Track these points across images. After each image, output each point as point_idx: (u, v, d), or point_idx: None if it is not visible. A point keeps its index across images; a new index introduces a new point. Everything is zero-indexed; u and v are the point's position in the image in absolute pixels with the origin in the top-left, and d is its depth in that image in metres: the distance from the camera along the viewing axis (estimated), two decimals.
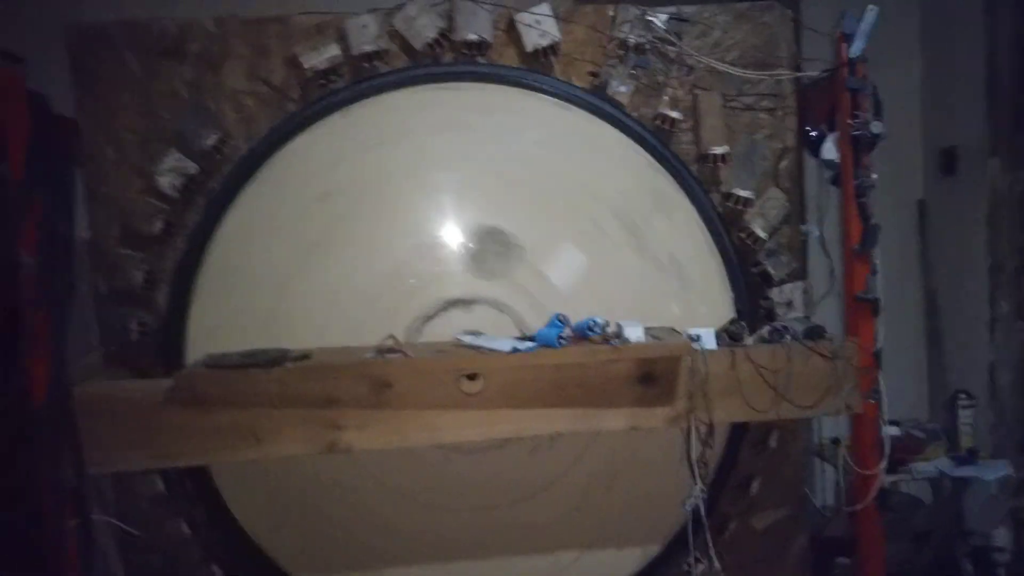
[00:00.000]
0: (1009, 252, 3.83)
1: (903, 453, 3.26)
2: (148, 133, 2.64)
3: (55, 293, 2.35)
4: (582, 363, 2.40)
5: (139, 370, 2.65)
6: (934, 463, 3.26)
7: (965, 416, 3.40)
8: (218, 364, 2.38)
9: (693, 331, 2.47)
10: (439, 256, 2.62)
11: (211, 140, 2.61)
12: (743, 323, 2.49)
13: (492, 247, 2.59)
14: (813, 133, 2.58)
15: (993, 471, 3.18)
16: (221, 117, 2.66)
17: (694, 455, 2.45)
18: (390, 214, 2.62)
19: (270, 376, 2.29)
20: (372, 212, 2.63)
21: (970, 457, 3.29)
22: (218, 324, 2.62)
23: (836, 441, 3.59)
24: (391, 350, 2.42)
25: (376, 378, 2.39)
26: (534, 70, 2.71)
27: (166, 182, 2.61)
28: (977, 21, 3.76)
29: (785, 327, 2.48)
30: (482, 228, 2.59)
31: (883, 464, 2.49)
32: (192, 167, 2.61)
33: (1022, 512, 3.85)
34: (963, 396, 3.41)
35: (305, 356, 2.43)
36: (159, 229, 2.62)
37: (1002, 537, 3.16)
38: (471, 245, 2.59)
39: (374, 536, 2.70)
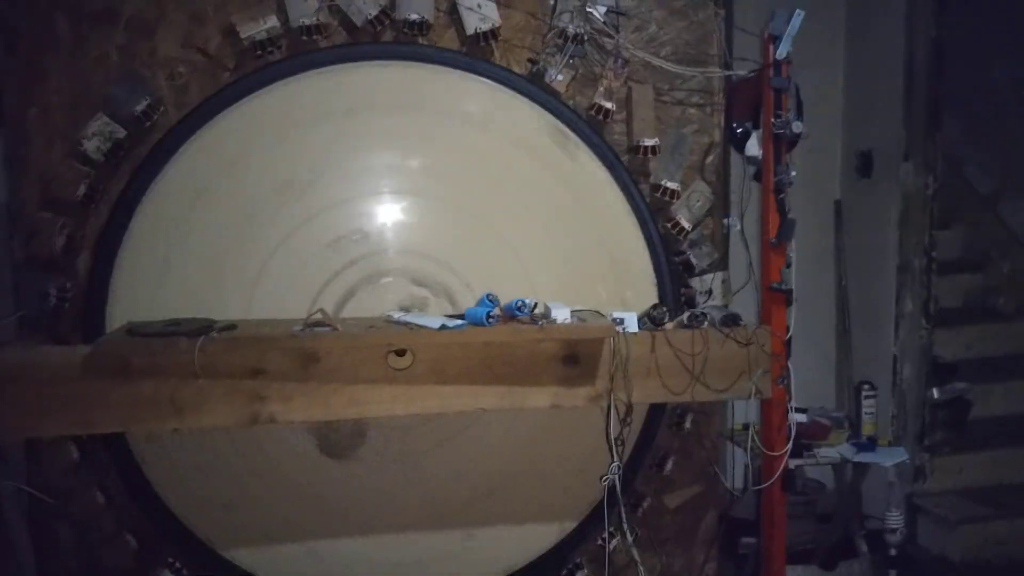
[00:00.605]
0: (916, 253, 4.06)
1: (809, 438, 3.42)
2: (75, 97, 2.58)
3: None
4: (510, 342, 2.47)
5: (57, 337, 2.59)
6: (837, 448, 3.43)
7: (868, 405, 3.57)
8: (141, 332, 2.35)
9: (617, 314, 2.55)
10: (370, 236, 2.65)
11: (141, 106, 2.56)
12: (665, 308, 2.59)
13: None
14: (739, 129, 2.68)
15: (891, 457, 3.36)
16: (153, 84, 2.61)
17: (613, 433, 2.54)
18: (322, 191, 2.63)
19: (195, 346, 2.27)
20: (303, 188, 2.63)
21: (870, 444, 3.48)
22: (141, 294, 2.59)
23: (747, 427, 3.76)
24: (320, 324, 2.44)
25: (304, 351, 2.40)
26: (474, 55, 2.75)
27: (92, 146, 2.55)
28: (898, 27, 3.95)
29: (704, 313, 2.60)
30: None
31: (788, 446, 2.63)
32: (120, 132, 2.56)
33: (917, 498, 4.11)
34: (867, 386, 3.59)
35: (231, 327, 2.42)
36: (82, 194, 2.56)
37: (895, 520, 3.36)
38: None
39: (296, 507, 2.71)
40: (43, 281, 2.56)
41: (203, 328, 2.36)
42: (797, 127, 2.49)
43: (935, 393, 4.15)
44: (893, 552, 3.34)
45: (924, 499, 4.08)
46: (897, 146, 4.05)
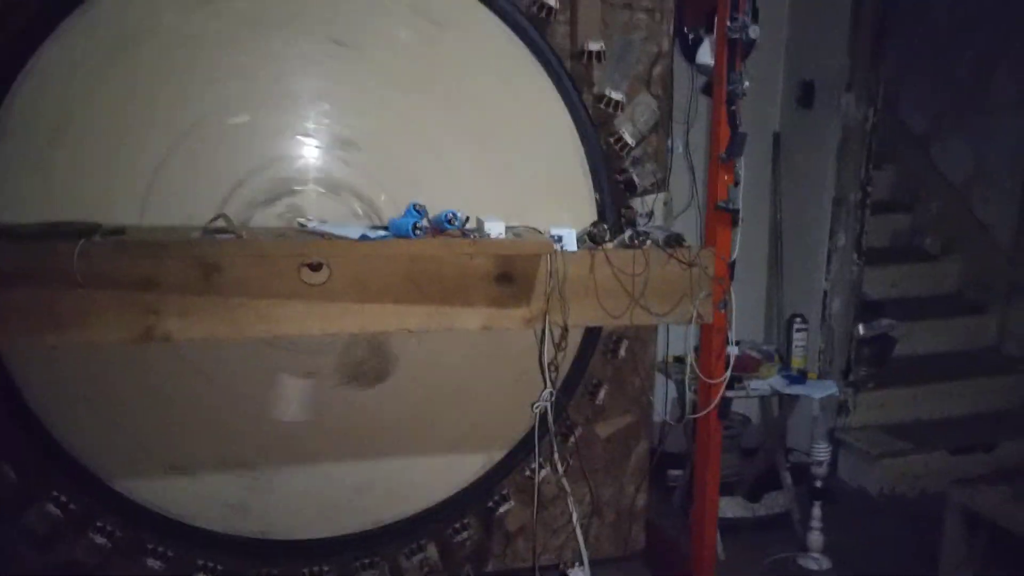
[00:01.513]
0: (853, 186, 3.99)
1: (739, 371, 3.36)
2: None
3: None
4: (438, 256, 2.25)
5: None
6: (768, 381, 3.38)
7: (799, 339, 3.53)
8: (13, 233, 2.04)
9: (555, 231, 2.37)
10: (284, 133, 2.37)
11: None
12: (605, 226, 2.42)
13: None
14: (691, 36, 2.49)
15: (821, 390, 3.33)
16: None
17: (547, 358, 2.38)
18: (233, 69, 2.31)
19: (74, 250, 1.97)
20: (211, 66, 2.31)
21: (800, 377, 3.44)
22: (10, 190, 2.24)
23: (680, 359, 3.68)
24: (222, 231, 2.16)
25: (203, 260, 2.13)
26: None
27: None
28: None
29: (646, 232, 2.43)
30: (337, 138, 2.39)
31: (727, 373, 2.52)
32: None
33: (839, 432, 4.14)
34: (798, 319, 3.54)
35: (119, 231, 2.13)
36: None
37: (823, 452, 3.35)
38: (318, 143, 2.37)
39: (188, 434, 2.47)
40: None
41: (86, 231, 2.06)
42: (754, 32, 2.32)
43: (861, 329, 4.15)
44: (819, 484, 3.33)
45: (846, 433, 4.11)
46: (839, 76, 3.94)
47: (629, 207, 2.72)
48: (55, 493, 2.44)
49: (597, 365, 2.79)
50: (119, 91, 2.27)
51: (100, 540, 2.46)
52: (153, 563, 2.51)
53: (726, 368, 2.53)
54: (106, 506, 2.49)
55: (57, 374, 2.36)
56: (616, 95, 2.64)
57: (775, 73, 4.26)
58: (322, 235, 2.20)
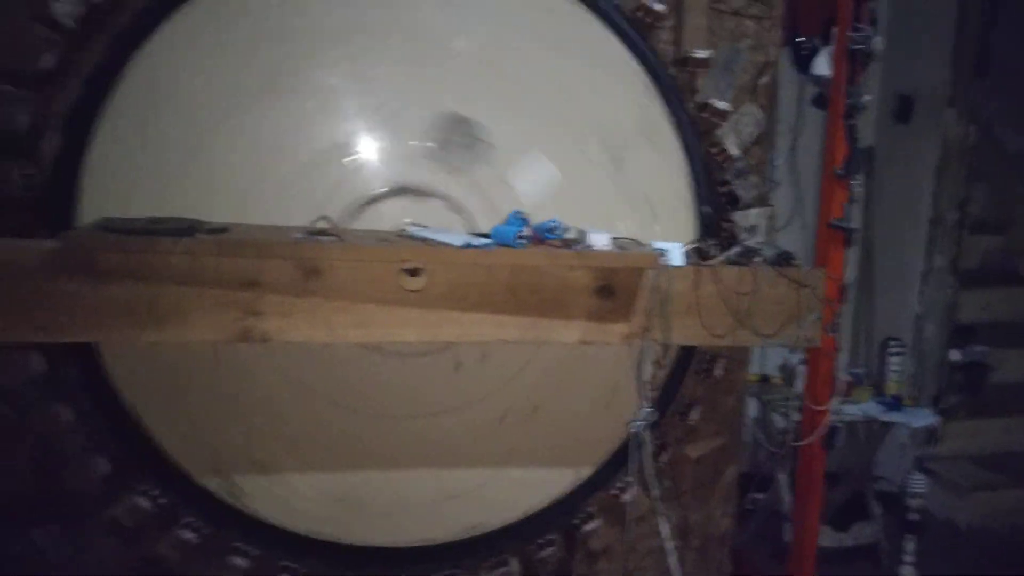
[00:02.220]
0: (951, 206, 3.83)
1: None
2: None
3: None
4: (540, 267, 2.18)
5: (18, 229, 2.24)
6: (862, 406, 3.24)
7: (895, 363, 3.39)
8: (117, 229, 2.03)
9: (659, 245, 2.28)
10: (393, 133, 2.32)
11: None
12: (713, 242, 2.32)
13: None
14: (805, 46, 2.37)
15: (919, 419, 3.19)
16: None
17: (645, 376, 2.28)
18: (342, 72, 2.28)
19: (180, 247, 1.95)
20: (318, 67, 2.28)
21: (896, 403, 3.30)
22: (117, 186, 2.24)
23: (765, 378, 3.56)
24: (324, 232, 2.12)
25: (305, 262, 2.09)
26: None
27: (62, 10, 2.17)
28: None
29: (756, 249, 2.32)
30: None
31: (835, 400, 2.40)
32: None
33: (927, 461, 3.96)
34: (895, 342, 3.39)
35: (222, 229, 2.10)
36: (51, 65, 2.19)
37: (918, 484, 3.19)
38: (434, 131, 2.29)
39: (279, 437, 2.43)
40: (3, 164, 2.20)
41: (190, 228, 2.04)
42: (878, 43, 2.19)
43: (954, 355, 3.97)
44: (915, 517, 3.18)
45: (935, 463, 3.93)
46: (941, 91, 3.78)
47: (731, 221, 2.61)
48: (145, 487, 2.43)
49: (690, 384, 2.69)
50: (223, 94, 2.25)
51: (188, 535, 2.44)
52: (237, 561, 2.48)
53: (833, 393, 2.41)
54: (193, 503, 2.47)
55: (151, 369, 2.34)
56: (721, 104, 2.54)
57: (871, 83, 4.10)
58: (423, 241, 2.14)
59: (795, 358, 3.24)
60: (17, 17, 2.18)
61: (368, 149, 2.33)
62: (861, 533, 3.41)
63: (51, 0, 2.15)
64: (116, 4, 2.21)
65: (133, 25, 2.21)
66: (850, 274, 4.13)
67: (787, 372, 3.37)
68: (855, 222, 2.33)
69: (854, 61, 2.26)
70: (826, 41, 2.40)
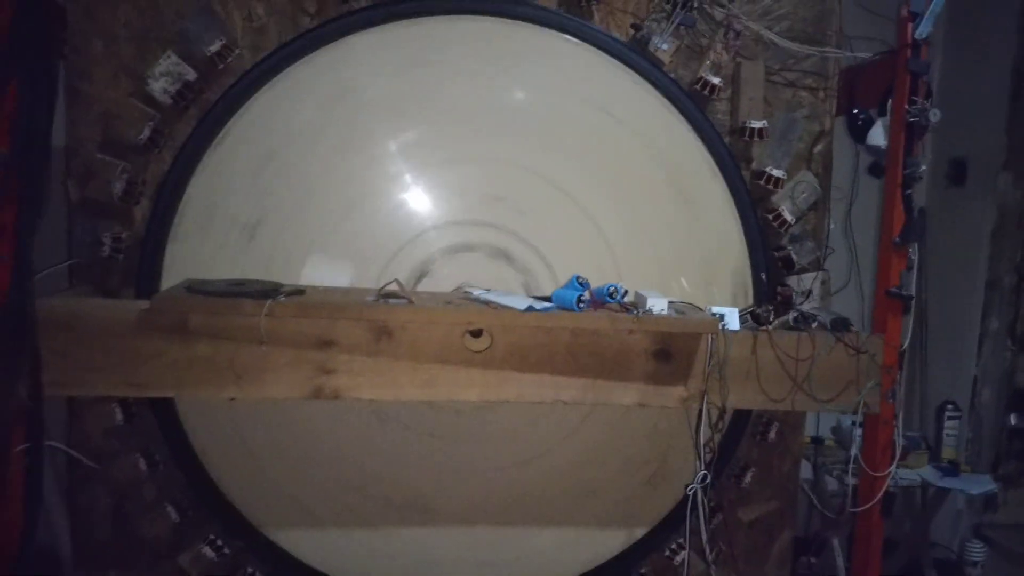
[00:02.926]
0: (1008, 269, 3.80)
1: None
2: (144, 31, 2.38)
3: (26, 189, 2.08)
4: (599, 330, 2.25)
5: (108, 289, 2.40)
6: (918, 472, 3.20)
7: (950, 427, 3.36)
8: (202, 291, 2.16)
9: (716, 310, 2.33)
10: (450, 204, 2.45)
11: (214, 47, 2.36)
12: (770, 307, 2.36)
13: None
14: (861, 117, 2.44)
15: (977, 486, 3.14)
16: (228, 23, 2.41)
17: (702, 439, 2.32)
18: (397, 155, 2.42)
19: (261, 308, 2.07)
20: (377, 152, 2.43)
21: (952, 469, 3.25)
22: (201, 251, 2.40)
23: (818, 440, 3.54)
24: (394, 295, 2.23)
25: (377, 323, 2.20)
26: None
27: (159, 86, 2.35)
28: (1009, 22, 3.67)
29: (813, 315, 2.37)
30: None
31: (892, 467, 2.40)
32: (190, 73, 2.36)
33: (985, 528, 3.87)
34: (951, 407, 3.36)
35: (299, 292, 2.22)
36: (146, 137, 2.36)
37: (977, 553, 3.13)
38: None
39: (352, 493, 2.51)
40: (97, 228, 2.37)
41: (270, 290, 2.16)
42: (935, 115, 2.25)
43: (1013, 419, 3.89)
44: None
45: (993, 530, 3.83)
46: (996, 154, 3.78)
47: (785, 285, 2.65)
48: (211, 536, 2.52)
49: (744, 447, 2.71)
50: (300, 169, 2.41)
51: None
52: None
53: (892, 460, 2.41)
54: (255, 552, 2.55)
55: (220, 421, 2.45)
56: (777, 172, 2.60)
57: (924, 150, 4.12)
58: (487, 304, 2.23)
59: (848, 420, 3.22)
60: (119, 93, 2.37)
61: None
62: None
63: (149, 78, 2.33)
64: (207, 82, 2.38)
65: (221, 102, 2.38)
66: (905, 338, 4.12)
67: (841, 434, 3.35)
68: (912, 290, 2.36)
69: (911, 132, 2.32)
70: (882, 112, 2.46)
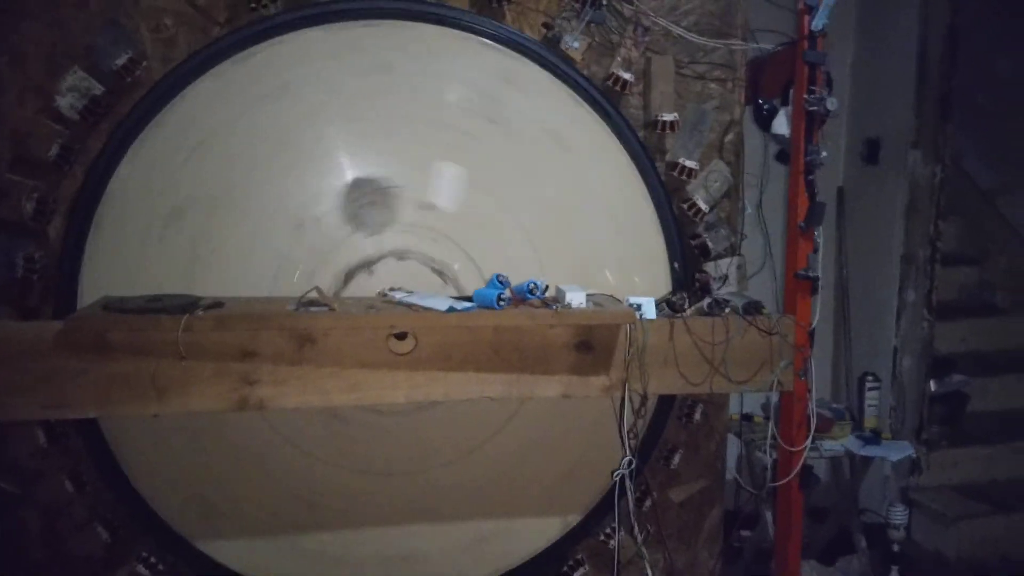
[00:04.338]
0: (921, 243, 3.97)
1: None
2: (51, 47, 2.34)
3: None
4: (521, 327, 2.30)
5: (25, 311, 2.36)
6: (842, 442, 3.34)
7: (871, 397, 3.50)
8: (119, 308, 2.15)
9: (633, 300, 2.40)
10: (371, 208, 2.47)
11: (122, 60, 2.33)
12: (685, 294, 2.44)
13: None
14: (765, 107, 2.53)
15: (897, 451, 3.29)
16: (136, 36, 2.38)
17: (626, 426, 2.39)
18: (317, 160, 2.44)
19: (179, 323, 2.07)
20: (297, 156, 2.44)
21: (874, 438, 3.40)
22: (118, 266, 2.37)
23: (747, 416, 3.66)
24: (315, 303, 2.25)
25: (298, 332, 2.22)
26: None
27: (66, 103, 2.32)
28: (912, 11, 3.83)
29: (726, 300, 2.45)
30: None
31: (808, 441, 2.51)
32: (98, 88, 2.33)
33: (912, 492, 4.05)
34: (871, 378, 3.51)
35: (218, 304, 2.22)
36: (55, 155, 2.33)
37: (900, 516, 3.28)
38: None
39: (282, 501, 2.53)
40: (10, 249, 2.33)
41: (188, 305, 2.16)
42: (832, 104, 2.35)
43: (933, 386, 4.08)
44: (896, 548, 3.27)
45: (919, 493, 4.02)
46: (906, 134, 3.95)
47: (703, 271, 2.74)
48: (144, 553, 2.52)
49: (672, 430, 2.79)
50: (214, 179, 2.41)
51: None
52: None
53: (808, 435, 2.52)
54: (191, 567, 2.56)
55: (147, 436, 2.44)
56: (690, 163, 2.68)
57: (838, 129, 4.28)
58: (409, 306, 2.27)
59: (775, 396, 3.34)
60: (27, 111, 2.33)
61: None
62: (848, 567, 3.49)
63: (56, 95, 2.30)
64: (116, 96, 2.36)
65: (131, 116, 2.36)
66: (825, 314, 4.27)
67: (768, 411, 3.47)
68: (820, 270, 2.46)
69: (811, 121, 2.41)
70: (784, 102, 2.55)
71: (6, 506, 2.43)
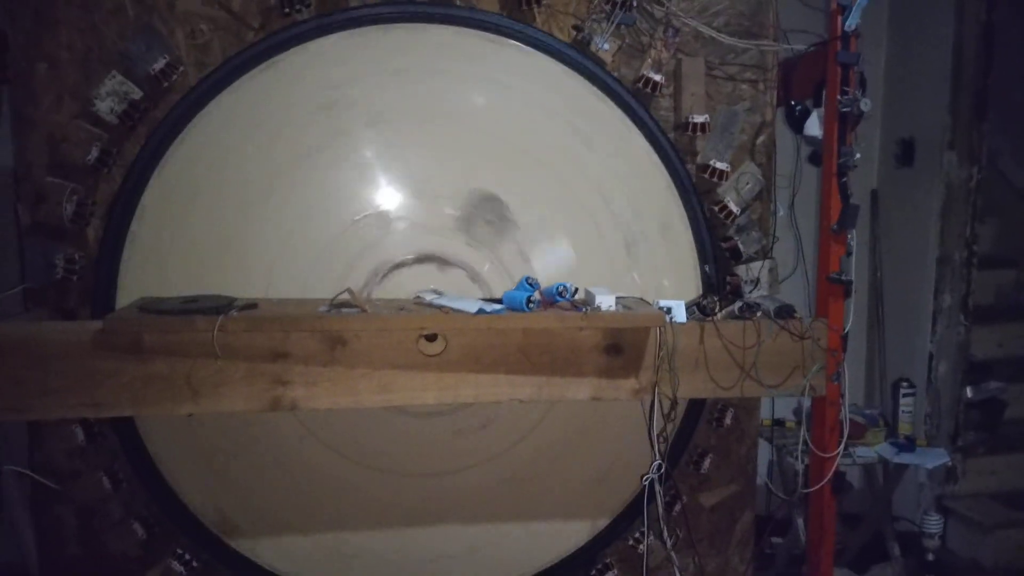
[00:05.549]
0: (958, 245, 3.90)
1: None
2: (87, 52, 2.39)
3: None
4: (550, 329, 2.30)
5: (64, 312, 2.42)
6: (876, 449, 3.29)
7: (906, 404, 3.45)
8: (155, 309, 2.19)
9: (663, 303, 2.39)
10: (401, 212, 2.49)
11: (159, 65, 2.37)
12: (715, 298, 2.43)
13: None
14: (798, 108, 2.51)
15: (932, 459, 3.23)
16: (171, 41, 2.43)
17: (656, 429, 2.38)
18: (351, 162, 2.46)
19: (214, 324, 2.10)
20: (332, 158, 2.46)
21: (909, 444, 3.35)
22: (155, 268, 2.42)
23: (779, 422, 3.62)
24: (347, 305, 2.27)
25: (330, 333, 2.24)
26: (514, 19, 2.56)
27: (105, 107, 2.36)
28: (946, 8, 3.77)
29: (758, 304, 2.43)
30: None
31: (840, 447, 2.48)
32: (136, 92, 2.37)
33: (947, 500, 3.98)
34: (905, 383, 3.45)
35: (252, 306, 2.25)
36: (94, 158, 2.37)
37: (935, 524, 3.22)
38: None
39: (309, 499, 2.55)
40: (50, 251, 2.38)
41: (222, 306, 2.19)
42: (865, 105, 2.32)
43: (969, 392, 4.01)
44: (931, 557, 3.21)
45: (955, 501, 3.95)
46: (941, 134, 3.88)
47: (734, 275, 2.72)
48: (179, 550, 2.55)
49: (702, 434, 2.77)
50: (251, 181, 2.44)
51: None
52: None
53: (840, 440, 2.48)
54: (225, 564, 2.59)
55: (182, 433, 2.48)
56: (721, 165, 2.66)
57: (872, 130, 4.22)
58: (440, 308, 2.28)
59: (807, 401, 3.31)
60: (65, 116, 2.38)
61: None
62: (880, 575, 3.44)
63: (95, 99, 2.34)
64: (153, 101, 2.40)
65: (168, 120, 2.40)
66: (859, 318, 4.21)
67: (800, 415, 3.43)
68: (853, 273, 2.43)
69: (843, 122, 2.38)
70: (817, 103, 2.53)
71: (44, 503, 2.48)
